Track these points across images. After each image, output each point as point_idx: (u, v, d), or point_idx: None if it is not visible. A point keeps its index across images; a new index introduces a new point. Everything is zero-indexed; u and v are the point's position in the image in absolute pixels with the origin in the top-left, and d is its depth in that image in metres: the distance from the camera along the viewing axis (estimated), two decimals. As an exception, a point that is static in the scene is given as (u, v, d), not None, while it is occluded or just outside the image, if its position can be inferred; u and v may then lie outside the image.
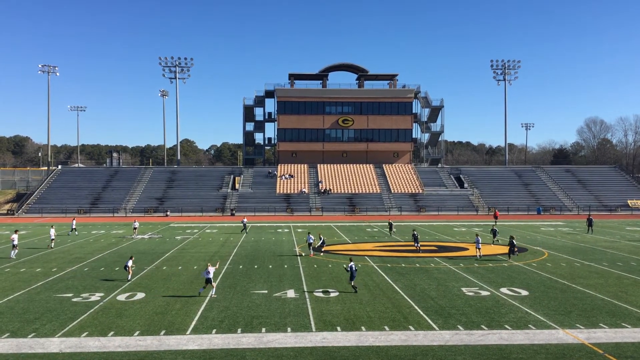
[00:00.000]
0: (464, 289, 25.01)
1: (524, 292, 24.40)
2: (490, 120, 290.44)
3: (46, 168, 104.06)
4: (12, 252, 35.87)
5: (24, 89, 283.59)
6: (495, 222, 61.67)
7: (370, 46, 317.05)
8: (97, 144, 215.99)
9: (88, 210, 79.38)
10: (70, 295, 24.10)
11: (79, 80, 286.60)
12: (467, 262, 33.00)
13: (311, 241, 36.05)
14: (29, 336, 17.86)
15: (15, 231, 38.43)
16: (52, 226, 44.24)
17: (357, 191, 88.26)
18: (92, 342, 17.21)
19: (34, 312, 21.08)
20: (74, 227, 51.72)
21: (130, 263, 27.43)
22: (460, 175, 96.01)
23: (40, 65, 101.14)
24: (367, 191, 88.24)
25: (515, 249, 34.43)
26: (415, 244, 37.78)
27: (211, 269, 23.84)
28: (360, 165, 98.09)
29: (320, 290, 24.90)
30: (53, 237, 40.94)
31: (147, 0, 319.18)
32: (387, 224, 54.90)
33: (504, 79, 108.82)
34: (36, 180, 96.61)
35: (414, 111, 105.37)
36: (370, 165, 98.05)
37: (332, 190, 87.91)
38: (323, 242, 37.34)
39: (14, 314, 20.71)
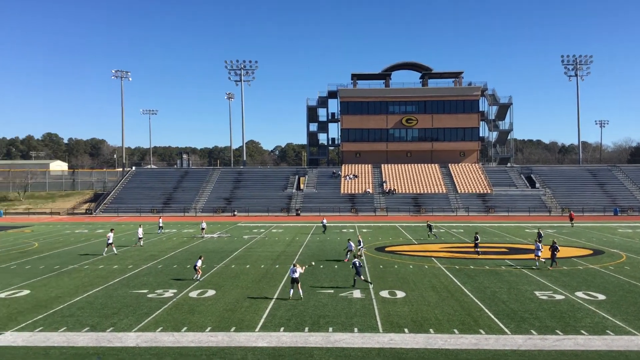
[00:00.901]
0: (537, 293, 24.25)
1: (601, 296, 23.39)
2: (562, 117, 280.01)
3: (121, 169, 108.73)
4: (105, 249, 37.86)
5: (100, 94, 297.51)
6: (572, 224, 59.37)
7: (435, 44, 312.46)
8: (168, 145, 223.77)
9: (160, 209, 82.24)
10: (145, 291, 25.09)
11: (151, 84, 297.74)
12: (539, 264, 31.93)
13: (351, 248, 33.60)
14: (108, 330, 18.72)
15: (111, 230, 40.31)
16: (140, 225, 45.77)
17: (422, 191, 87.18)
18: (167, 337, 17.85)
19: (112, 307, 22.08)
20: (160, 225, 54.13)
21: (199, 263, 28.08)
22: (532, 175, 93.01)
23: (113, 71, 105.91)
24: (433, 191, 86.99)
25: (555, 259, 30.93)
26: (475, 248, 36.52)
27: (298, 269, 23.29)
28: (425, 165, 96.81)
29: (387, 291, 24.79)
30: (141, 236, 42.22)
31: (213, 6, 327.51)
32: (435, 225, 53.88)
33: (576, 75, 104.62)
34: (112, 181, 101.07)
35: (480, 109, 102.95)
36: (436, 165, 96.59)
37: (396, 191, 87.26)
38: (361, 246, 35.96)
39: (94, 309, 21.76)
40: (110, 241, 37.67)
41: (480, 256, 35.17)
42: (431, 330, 18.52)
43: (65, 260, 34.99)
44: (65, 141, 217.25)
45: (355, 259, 25.93)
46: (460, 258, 34.92)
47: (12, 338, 17.84)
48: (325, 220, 55.60)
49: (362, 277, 25.45)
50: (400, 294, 24.04)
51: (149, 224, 58.60)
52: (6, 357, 15.87)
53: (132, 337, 17.87)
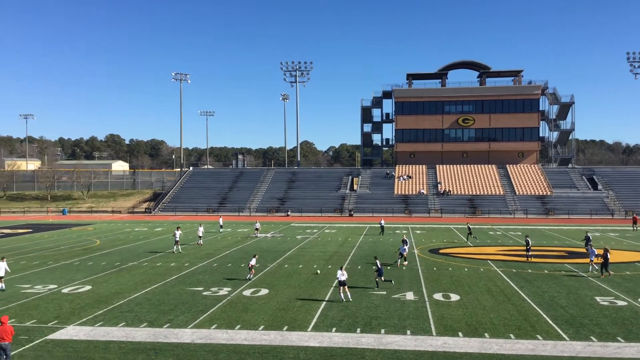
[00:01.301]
0: (597, 298, 23.33)
1: (668, 304, 22.26)
2: (627, 117, 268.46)
3: (179, 169, 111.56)
4: (175, 247, 38.79)
5: (160, 96, 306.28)
6: (635, 227, 56.84)
7: (494, 42, 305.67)
8: (224, 146, 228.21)
9: (216, 209, 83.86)
10: (200, 289, 25.63)
11: (208, 86, 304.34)
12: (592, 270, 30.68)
13: (404, 252, 32.32)
14: (164, 326, 19.22)
15: (177, 227, 41.22)
16: (200, 224, 46.69)
17: (478, 193, 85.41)
18: (221, 334, 18.17)
19: (169, 303, 22.66)
20: (221, 224, 55.28)
21: (253, 261, 28.45)
22: (594, 176, 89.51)
23: (173, 74, 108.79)
24: (489, 193, 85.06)
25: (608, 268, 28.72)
26: (527, 252, 35.10)
27: (341, 273, 23.04)
28: (482, 165, 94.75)
29: (441, 293, 24.41)
30: (201, 235, 43.25)
31: (269, 9, 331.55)
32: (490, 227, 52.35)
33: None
34: (170, 180, 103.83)
35: (541, 108, 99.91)
36: (493, 165, 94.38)
37: (451, 192, 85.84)
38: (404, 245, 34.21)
39: (151, 305, 22.39)
40: (177, 238, 38.70)
41: (531, 259, 34.09)
42: (486, 334, 18.10)
43: (125, 258, 36.18)
44: (127, 142, 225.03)
45: (377, 260, 26.83)
46: (518, 261, 33.97)
47: (74, 332, 18.57)
48: (383, 222, 55.17)
49: (382, 278, 25.66)
50: (454, 297, 23.62)
51: (208, 223, 59.73)
52: (68, 351, 16.53)
53: (188, 334, 18.28)
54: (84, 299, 23.62)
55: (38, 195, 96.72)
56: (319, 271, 30.02)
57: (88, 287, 26.10)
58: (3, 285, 25.49)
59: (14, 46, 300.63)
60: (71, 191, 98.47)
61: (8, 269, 26.54)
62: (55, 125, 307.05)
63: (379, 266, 25.72)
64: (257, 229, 51.08)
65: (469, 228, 47.06)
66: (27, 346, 16.84)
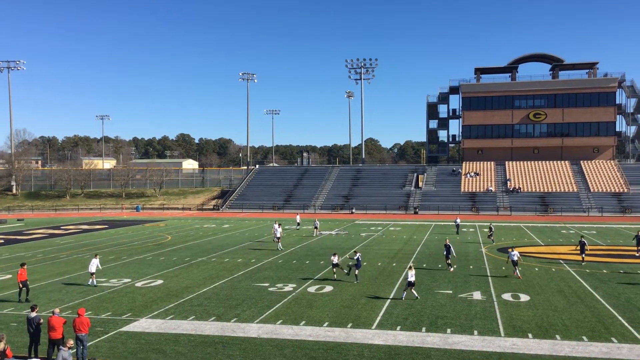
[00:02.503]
0: (680, 302, 21.99)
1: None
2: None
3: (246, 167, 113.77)
4: (279, 245, 38.76)
5: (227, 96, 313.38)
6: None
7: (566, 35, 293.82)
8: (290, 144, 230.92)
9: (282, 206, 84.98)
10: (266, 285, 26.05)
11: (274, 85, 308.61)
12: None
13: (515, 259, 27.46)
14: (232, 320, 19.66)
15: (279, 225, 40.85)
16: (275, 222, 46.92)
17: (550, 190, 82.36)
18: (286, 330, 18.40)
19: (236, 298, 23.16)
20: (298, 221, 55.87)
21: (335, 259, 27.57)
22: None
23: (240, 74, 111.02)
24: (562, 190, 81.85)
25: None
26: (581, 254, 32.19)
27: (411, 274, 22.63)
28: (554, 162, 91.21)
29: (509, 293, 23.73)
30: (279, 235, 40.49)
31: (333, 6, 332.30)
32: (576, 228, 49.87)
33: None
34: (237, 178, 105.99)
35: (617, 102, 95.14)
36: (566, 162, 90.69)
37: (521, 189, 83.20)
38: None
39: (219, 300, 22.96)
40: (278, 235, 38.83)
41: (584, 260, 31.80)
42: (557, 336, 17.46)
43: (195, 253, 37.26)
44: (196, 141, 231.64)
45: (358, 254, 27.28)
46: (592, 261, 32.50)
47: (146, 324, 19.30)
48: (458, 220, 52.00)
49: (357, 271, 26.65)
50: (524, 298, 22.91)
51: (284, 220, 60.54)
52: (141, 342, 17.20)
53: (254, 328, 18.62)
54: (155, 292, 24.51)
55: (113, 192, 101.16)
56: (345, 270, 28.42)
57: (160, 282, 27.06)
58: (94, 281, 26.23)
59: (92, 51, 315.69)
60: (144, 189, 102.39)
61: (100, 266, 27.32)
62: (130, 126, 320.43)
63: (359, 260, 26.76)
64: (316, 227, 50.32)
65: (490, 228, 44.47)
66: (102, 337, 17.66)
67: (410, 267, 23.53)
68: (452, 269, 29.42)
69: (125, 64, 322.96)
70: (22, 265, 23.47)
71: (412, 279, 22.63)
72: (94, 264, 26.22)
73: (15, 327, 18.95)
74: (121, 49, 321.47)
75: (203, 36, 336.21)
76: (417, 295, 22.77)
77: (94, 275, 26.30)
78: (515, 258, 27.39)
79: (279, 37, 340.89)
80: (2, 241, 46.01)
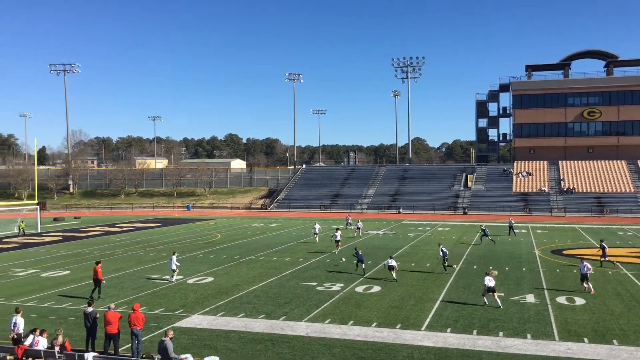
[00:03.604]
0: None
1: None
2: None
3: (292, 167, 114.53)
4: (338, 251, 37.45)
5: (274, 97, 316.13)
6: None
7: (621, 30, 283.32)
8: (336, 144, 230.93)
9: (328, 206, 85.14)
10: (314, 284, 26.15)
11: (320, 85, 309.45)
12: None
13: (586, 271, 24.11)
14: (280, 319, 19.83)
15: (337, 229, 40.32)
16: (315, 222, 47.21)
17: (605, 190, 79.55)
18: (334, 329, 18.42)
19: (284, 297, 23.35)
20: (349, 221, 55.90)
21: (393, 263, 27.29)
22: None
23: (287, 74, 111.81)
24: (618, 190, 78.93)
25: None
26: (602, 257, 31.12)
27: (489, 279, 21.64)
28: (610, 161, 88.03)
29: (564, 296, 23.06)
30: (339, 239, 39.61)
31: (378, 5, 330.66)
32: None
33: None
34: (284, 178, 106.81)
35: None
36: (622, 161, 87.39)
37: (575, 189, 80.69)
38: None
39: (268, 298, 23.20)
40: (338, 238, 37.90)
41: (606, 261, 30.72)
42: (615, 341, 16.86)
43: (244, 251, 37.77)
44: (244, 141, 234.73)
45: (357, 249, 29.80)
46: (652, 265, 31.20)
47: (198, 320, 19.69)
48: (512, 221, 49.99)
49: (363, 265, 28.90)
50: (579, 301, 22.21)
51: (320, 220, 60.69)
52: (193, 338, 17.55)
53: (303, 327, 18.72)
54: (206, 289, 24.97)
55: (165, 191, 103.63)
56: (343, 259, 30.18)
57: (210, 279, 27.56)
58: (175, 277, 27.08)
59: (144, 54, 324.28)
60: (194, 188, 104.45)
61: (177, 263, 27.82)
62: (180, 126, 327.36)
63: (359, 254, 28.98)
64: (358, 228, 49.33)
65: (483, 230, 42.47)
66: (156, 333, 18.11)
67: (486, 273, 22.37)
68: (455, 266, 30.14)
69: (176, 67, 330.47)
70: (97, 263, 24.02)
71: (491, 283, 21.45)
72: (173, 262, 27.08)
73: (73, 321, 19.65)
74: (172, 53, 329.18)
75: (250, 38, 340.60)
76: (500, 303, 21.39)
77: (176, 272, 27.22)
78: (586, 270, 23.97)
79: (325, 37, 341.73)
80: (60, 238, 47.81)
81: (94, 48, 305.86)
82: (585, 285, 23.92)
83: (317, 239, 43.29)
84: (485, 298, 21.73)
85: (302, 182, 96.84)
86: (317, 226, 44.70)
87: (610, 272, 28.90)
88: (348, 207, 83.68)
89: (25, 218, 55.63)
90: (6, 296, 24.00)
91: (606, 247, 31.79)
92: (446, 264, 29.41)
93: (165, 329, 18.08)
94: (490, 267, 26.47)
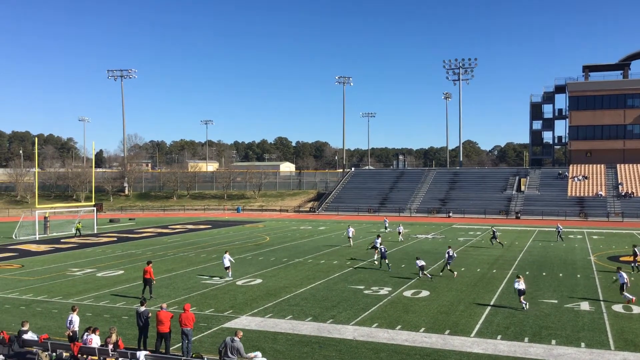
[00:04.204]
0: None
1: None
2: None
3: (341, 170, 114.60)
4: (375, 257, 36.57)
5: (323, 100, 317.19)
6: None
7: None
8: (385, 147, 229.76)
9: (377, 209, 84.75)
10: (362, 287, 26.09)
11: (370, 87, 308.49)
12: None
13: (625, 281, 22.96)
14: (328, 322, 19.88)
15: (378, 236, 39.33)
16: (349, 226, 47.22)
17: (668, 195, 76.10)
18: (382, 334, 18.33)
19: (332, 300, 23.39)
20: (387, 224, 55.80)
21: (421, 263, 28.37)
22: None
23: (337, 77, 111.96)
24: (682, 195, 75.35)
25: None
26: (633, 263, 30.68)
27: (518, 282, 22.01)
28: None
29: (620, 304, 22.20)
30: (350, 236, 42.97)
31: (431, 6, 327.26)
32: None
33: None
34: (333, 181, 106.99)
35: None
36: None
37: (634, 194, 77.53)
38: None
39: (316, 300, 23.29)
40: (401, 237, 38.34)
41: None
42: (677, 354, 16.11)
43: (292, 254, 38.04)
44: (293, 144, 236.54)
45: (381, 246, 32.41)
46: None
47: (246, 321, 19.96)
48: (560, 226, 48.23)
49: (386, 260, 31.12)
50: (636, 310, 21.35)
51: (369, 223, 60.56)
52: (242, 339, 17.72)
53: (350, 330, 18.72)
54: (255, 291, 25.29)
55: (216, 194, 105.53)
56: (376, 262, 32.58)
57: (259, 281, 27.89)
58: (230, 273, 28.55)
59: (197, 61, 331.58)
60: (244, 191, 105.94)
61: (232, 260, 29.48)
62: (231, 130, 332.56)
63: (383, 250, 31.32)
64: (399, 232, 47.96)
65: (494, 232, 43.27)
66: (205, 333, 18.47)
67: (518, 276, 22.74)
68: (455, 274, 29.14)
69: (228, 72, 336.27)
70: (148, 263, 24.83)
71: (521, 286, 21.75)
72: (226, 259, 28.53)
73: (126, 320, 20.27)
74: (223, 59, 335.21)
75: (301, 42, 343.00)
76: (526, 305, 21.60)
77: (229, 269, 28.53)
78: (625, 280, 22.81)
79: (376, 40, 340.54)
80: (115, 239, 49.38)
81: (150, 54, 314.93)
82: (628, 296, 22.43)
83: (351, 242, 42.94)
84: (524, 302, 21.61)
85: (350, 185, 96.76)
86: (351, 230, 44.08)
87: (672, 281, 27.64)
88: (397, 210, 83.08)
89: (83, 219, 57.70)
90: (63, 295, 24.97)
91: (638, 253, 31.04)
92: (448, 268, 29.44)
93: (214, 329, 18.42)
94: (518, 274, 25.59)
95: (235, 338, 14.28)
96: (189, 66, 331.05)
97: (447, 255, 29.86)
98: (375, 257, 34.16)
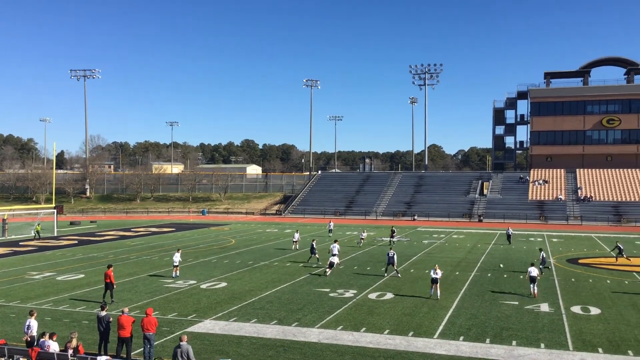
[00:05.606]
0: None
1: None
2: None
3: (308, 173, 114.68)
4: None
5: (291, 102, 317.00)
6: None
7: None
8: (352, 150, 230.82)
9: (343, 212, 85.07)
10: (327, 290, 26.12)
11: (337, 92, 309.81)
12: None
13: (534, 274, 24.81)
14: (293, 325, 19.83)
15: (336, 238, 39.38)
16: (296, 230, 47.07)
17: (624, 199, 78.55)
18: (347, 336, 18.38)
19: (297, 303, 23.35)
20: (331, 228, 55.77)
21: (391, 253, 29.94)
22: None
23: (304, 80, 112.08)
24: (637, 199, 77.87)
25: None
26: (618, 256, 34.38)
27: (434, 271, 24.01)
28: (629, 170, 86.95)
29: (579, 306, 22.80)
30: (296, 240, 42.32)
31: (395, 11, 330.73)
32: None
33: None
34: (299, 184, 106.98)
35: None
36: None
37: (593, 198, 79.78)
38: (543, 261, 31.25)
39: (281, 304, 23.21)
40: (335, 252, 37.26)
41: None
42: (630, 352, 16.63)
43: (258, 257, 37.85)
44: (260, 147, 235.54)
45: (391, 251, 30.72)
46: (671, 275, 30.71)
47: (210, 325, 19.76)
48: (510, 230, 49.82)
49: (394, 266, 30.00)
50: (594, 311, 21.94)
51: (335, 226, 60.71)
52: (205, 343, 17.61)
53: (315, 333, 18.71)
54: (220, 294, 25.06)
55: (181, 196, 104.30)
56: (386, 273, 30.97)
57: (224, 284, 27.65)
58: (177, 273, 29.49)
59: (162, 60, 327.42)
60: (210, 193, 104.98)
61: (180, 259, 30.26)
62: (197, 132, 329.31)
63: (389, 255, 30.33)
64: (362, 238, 46.58)
65: (393, 231, 46.92)
66: (168, 337, 18.21)
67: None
68: (399, 275, 30.18)
69: (194, 73, 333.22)
70: (109, 266, 24.29)
71: (533, 273, 24.33)
72: (177, 257, 29.56)
73: (86, 324, 19.82)
74: (190, 59, 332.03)
75: (268, 44, 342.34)
76: (439, 294, 24.14)
77: (177, 269, 29.50)
78: (534, 274, 24.57)
79: (344, 43, 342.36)
80: (76, 242, 48.31)
81: (113, 54, 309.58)
82: (534, 290, 24.63)
83: (297, 246, 41.98)
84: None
85: (317, 188, 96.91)
86: (297, 234, 43.28)
87: (626, 282, 28.52)
88: (363, 213, 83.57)
89: (42, 222, 56.28)
90: (21, 299, 24.30)
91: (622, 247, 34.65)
92: (394, 268, 30.34)
93: (177, 333, 18.21)
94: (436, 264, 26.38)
95: (181, 343, 14.03)
96: (155, 66, 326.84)
97: (387, 256, 30.62)
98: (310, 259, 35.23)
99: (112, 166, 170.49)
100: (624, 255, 36.25)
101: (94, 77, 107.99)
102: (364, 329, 19.25)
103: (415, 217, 79.31)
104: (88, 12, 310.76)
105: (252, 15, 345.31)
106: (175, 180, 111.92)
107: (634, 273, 31.40)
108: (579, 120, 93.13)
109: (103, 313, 16.66)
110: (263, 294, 25.11)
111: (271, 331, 18.97)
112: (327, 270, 30.69)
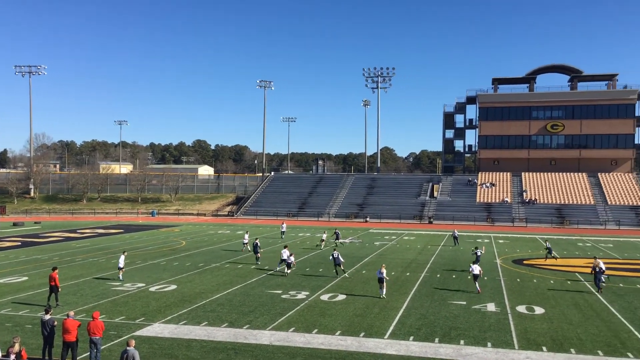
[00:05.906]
0: (699, 318, 21.59)
1: None
2: None
3: (261, 174, 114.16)
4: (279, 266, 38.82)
5: (244, 103, 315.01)
6: None
7: (585, 46, 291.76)
8: (305, 152, 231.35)
9: (296, 213, 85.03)
10: (279, 292, 26.05)
11: (291, 93, 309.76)
12: None
13: (476, 272, 26.85)
14: (244, 327, 19.68)
15: (320, 240, 39.89)
16: (246, 231, 46.82)
17: (566, 202, 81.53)
18: (299, 338, 18.38)
19: (249, 305, 23.19)
20: (283, 230, 55.50)
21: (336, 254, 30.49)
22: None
23: (258, 81, 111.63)
24: (579, 202, 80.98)
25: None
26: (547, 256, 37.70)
27: (380, 271, 23.73)
28: (571, 174, 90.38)
29: (524, 306, 23.51)
30: (246, 242, 42.25)
31: (350, 15, 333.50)
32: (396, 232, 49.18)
33: None
34: (252, 185, 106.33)
35: (637, 114, 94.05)
36: (583, 174, 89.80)
37: (537, 200, 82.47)
38: None
39: (232, 306, 23.00)
40: (283, 257, 37.05)
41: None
42: (572, 350, 17.25)
43: (209, 259, 37.40)
44: (212, 147, 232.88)
45: (336, 252, 30.91)
46: (608, 275, 32.03)
47: (159, 329, 19.39)
48: (456, 232, 51.26)
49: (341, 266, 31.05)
50: (538, 310, 22.67)
51: (288, 227, 60.65)
52: (154, 347, 17.27)
53: (267, 335, 18.62)
54: (169, 297, 24.62)
55: (130, 197, 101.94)
56: (347, 274, 31.17)
57: (173, 287, 27.19)
58: (121, 275, 29.00)
59: (111, 57, 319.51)
60: (160, 194, 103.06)
61: (123, 262, 29.56)
62: (147, 131, 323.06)
63: (335, 256, 30.63)
64: (322, 240, 46.50)
65: (337, 234, 48.72)
66: (115, 341, 17.77)
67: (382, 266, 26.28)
68: (347, 274, 31.12)
69: (144, 71, 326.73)
70: (54, 269, 23.60)
71: (475, 271, 26.41)
72: (122, 259, 29.11)
73: (30, 329, 19.14)
74: (140, 56, 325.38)
75: (221, 43, 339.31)
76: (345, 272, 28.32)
77: (122, 270, 28.99)
78: (477, 272, 26.55)
79: (297, 45, 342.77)
80: (19, 243, 46.57)
81: (60, 50, 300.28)
82: (477, 287, 26.37)
83: (248, 247, 41.67)
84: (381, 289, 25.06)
85: (270, 190, 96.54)
86: (247, 236, 43.41)
87: (569, 282, 29.58)
88: (316, 215, 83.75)
89: (-17, 222, 53.97)
90: (-40, 303, 23.24)
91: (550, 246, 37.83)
92: (341, 268, 31.25)
93: (125, 337, 17.79)
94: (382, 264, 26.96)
95: (128, 347, 13.72)
96: (103, 63, 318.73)
97: (332, 257, 31.08)
98: (279, 267, 33.19)
99: (57, 165, 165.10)
100: (553, 255, 38.15)
101: (39, 74, 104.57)
102: (315, 330, 19.29)
103: (368, 219, 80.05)
104: (33, 5, 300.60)
105: (205, 13, 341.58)
106: (124, 180, 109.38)
107: (576, 273, 32.61)
108: (525, 126, 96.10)
109: (47, 317, 16.13)
110: (214, 297, 24.83)
111: (222, 334, 18.77)
112: (286, 269, 31.35)
